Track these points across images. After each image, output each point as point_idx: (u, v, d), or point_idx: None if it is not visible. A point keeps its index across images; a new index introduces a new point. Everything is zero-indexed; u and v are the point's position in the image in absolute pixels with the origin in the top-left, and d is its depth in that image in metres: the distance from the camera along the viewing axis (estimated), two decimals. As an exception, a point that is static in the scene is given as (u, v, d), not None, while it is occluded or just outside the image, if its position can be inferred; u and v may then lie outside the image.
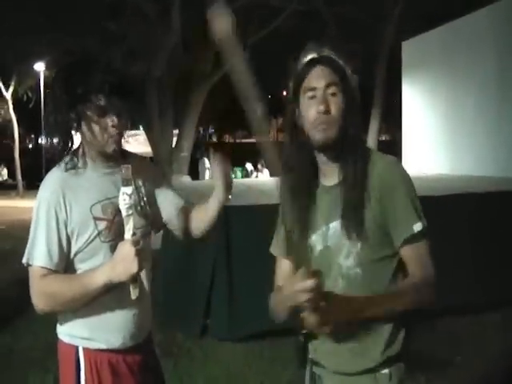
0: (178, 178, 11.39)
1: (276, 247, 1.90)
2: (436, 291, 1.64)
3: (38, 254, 1.85)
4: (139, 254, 1.72)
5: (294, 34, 16.74)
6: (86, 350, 1.97)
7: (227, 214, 5.10)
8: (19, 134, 26.98)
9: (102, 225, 1.90)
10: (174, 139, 14.73)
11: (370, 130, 17.65)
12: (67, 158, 1.95)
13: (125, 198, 1.75)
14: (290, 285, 1.53)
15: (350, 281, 1.67)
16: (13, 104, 25.27)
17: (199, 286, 5.28)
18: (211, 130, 46.71)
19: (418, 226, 1.65)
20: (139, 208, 1.98)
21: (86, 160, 1.97)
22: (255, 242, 5.06)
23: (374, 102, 17.58)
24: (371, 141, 17.51)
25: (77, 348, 1.98)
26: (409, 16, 16.50)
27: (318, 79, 1.69)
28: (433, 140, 10.40)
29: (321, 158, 1.75)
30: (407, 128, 11.63)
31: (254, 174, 15.86)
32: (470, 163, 9.01)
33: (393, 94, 13.53)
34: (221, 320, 4.99)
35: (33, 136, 46.15)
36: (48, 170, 2.00)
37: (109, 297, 1.93)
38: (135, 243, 1.73)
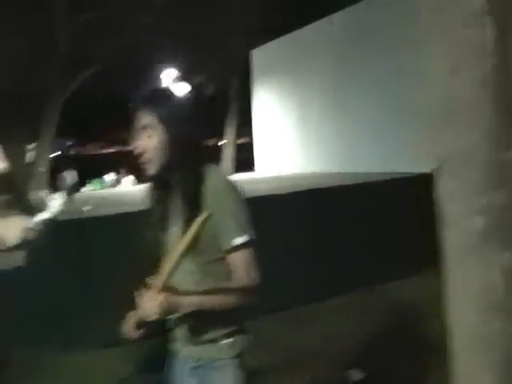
0: (36, 194, 11.11)
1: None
2: (252, 295, 1.97)
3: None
4: (25, 233, 1.90)
5: (148, 48, 16.84)
6: None
7: (86, 224, 5.19)
8: None
9: None
10: (31, 154, 14.28)
11: (226, 135, 18.14)
12: None
13: None
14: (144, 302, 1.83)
15: (186, 277, 1.94)
16: None
17: (60, 297, 5.27)
18: (69, 143, 45.16)
19: (238, 240, 1.93)
20: None
21: None
22: (115, 251, 5.22)
23: (229, 109, 18.10)
24: (229, 146, 18.03)
25: None
26: (258, 26, 17.11)
27: (138, 122, 1.99)
28: (286, 141, 10.94)
29: None
30: (259, 132, 12.11)
31: (114, 184, 15.62)
32: (319, 161, 9.64)
33: (249, 100, 14.11)
34: (83, 331, 5.04)
35: None
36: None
37: None
38: (28, 222, 1.92)
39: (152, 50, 18.05)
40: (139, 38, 14.79)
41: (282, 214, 5.79)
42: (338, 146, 9.26)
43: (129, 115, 2.00)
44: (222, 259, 1.97)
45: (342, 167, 8.81)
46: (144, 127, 1.97)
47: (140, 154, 1.98)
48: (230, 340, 2.05)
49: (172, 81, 20.39)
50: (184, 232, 1.86)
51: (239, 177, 10.61)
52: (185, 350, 2.12)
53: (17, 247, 1.87)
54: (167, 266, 1.81)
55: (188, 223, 1.89)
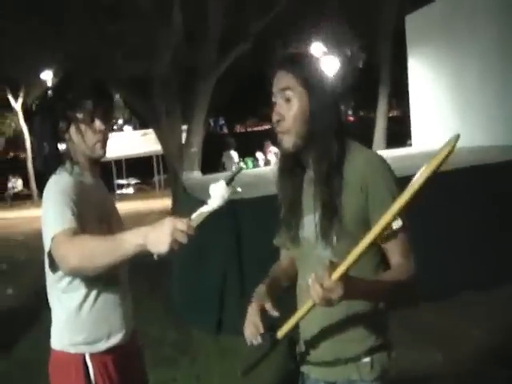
0: (188, 174, 11.38)
1: (277, 237, 2.01)
2: (414, 287, 1.66)
3: (65, 219, 1.80)
4: (176, 235, 1.60)
5: (296, 13, 16.63)
6: (92, 355, 2.00)
7: (237, 207, 5.07)
8: (31, 144, 27.19)
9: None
10: (184, 135, 14.59)
11: (378, 108, 17.51)
12: (67, 165, 2.01)
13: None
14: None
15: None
16: (23, 114, 25.48)
17: (212, 281, 5.28)
18: (222, 122, 46.61)
19: (396, 224, 1.61)
20: None
21: (79, 168, 2.04)
22: (266, 235, 5.06)
23: (380, 79, 17.41)
24: (380, 118, 17.39)
25: (83, 355, 2.00)
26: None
27: (276, 85, 1.72)
28: (441, 113, 10.28)
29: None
30: (415, 103, 11.48)
31: (263, 162, 15.54)
32: (478, 134, 8.87)
33: (400, 69, 13.39)
34: (235, 315, 4.97)
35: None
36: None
37: (107, 297, 2.01)
38: (180, 223, 1.61)
39: (300, 25, 17.83)
40: (289, 12, 14.57)
41: (442, 192, 5.24)
42: (497, 117, 8.48)
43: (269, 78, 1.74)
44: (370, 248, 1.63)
45: (506, 140, 8.02)
46: (283, 89, 1.68)
47: (277, 122, 1.69)
48: (372, 357, 1.73)
49: (321, 55, 20.11)
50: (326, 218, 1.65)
51: (392, 152, 10.03)
52: (317, 372, 1.82)
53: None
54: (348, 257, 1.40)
55: (327, 207, 1.66)
